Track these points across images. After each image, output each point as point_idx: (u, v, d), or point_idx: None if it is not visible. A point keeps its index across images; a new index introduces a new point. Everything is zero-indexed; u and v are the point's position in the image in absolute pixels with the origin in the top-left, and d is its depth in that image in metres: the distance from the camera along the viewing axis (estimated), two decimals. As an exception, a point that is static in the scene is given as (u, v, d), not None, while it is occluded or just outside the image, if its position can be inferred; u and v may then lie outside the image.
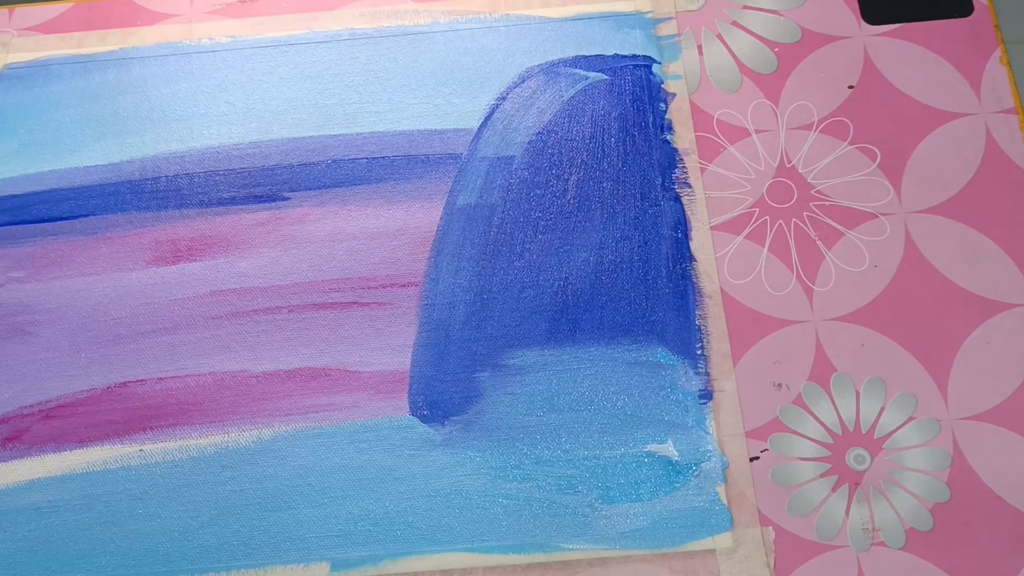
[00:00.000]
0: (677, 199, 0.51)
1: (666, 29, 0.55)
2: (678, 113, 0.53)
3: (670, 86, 0.54)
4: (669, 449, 0.46)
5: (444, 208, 0.52)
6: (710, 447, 0.46)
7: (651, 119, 0.53)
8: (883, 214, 0.50)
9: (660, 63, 0.54)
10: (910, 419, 0.46)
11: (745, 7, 0.56)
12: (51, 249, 0.52)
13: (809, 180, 0.51)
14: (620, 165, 0.52)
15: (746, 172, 0.52)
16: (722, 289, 0.49)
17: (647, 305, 0.49)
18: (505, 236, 0.51)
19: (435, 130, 0.53)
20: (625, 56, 0.55)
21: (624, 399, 0.47)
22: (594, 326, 0.48)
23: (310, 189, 0.52)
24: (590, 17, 0.56)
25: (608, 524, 0.44)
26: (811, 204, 0.51)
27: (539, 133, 0.53)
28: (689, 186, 0.51)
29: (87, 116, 0.55)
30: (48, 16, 0.58)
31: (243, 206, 0.52)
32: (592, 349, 0.48)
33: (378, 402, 0.47)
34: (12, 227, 0.52)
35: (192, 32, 0.57)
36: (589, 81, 0.54)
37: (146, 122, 0.55)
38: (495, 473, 0.46)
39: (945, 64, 0.53)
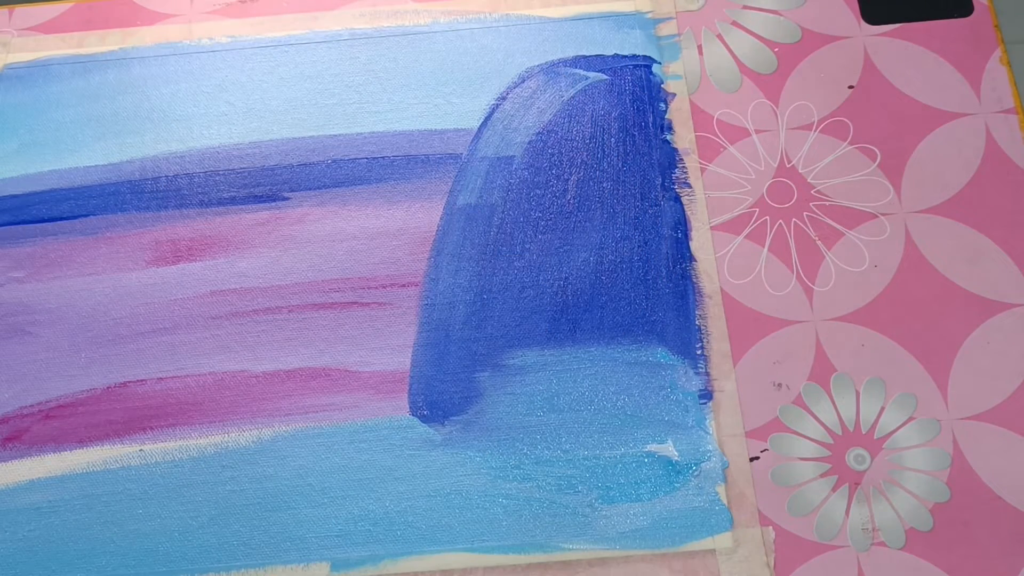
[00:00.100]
0: (677, 199, 0.51)
1: (666, 29, 0.55)
2: (678, 113, 0.53)
3: (670, 86, 0.54)
4: (669, 449, 0.46)
5: (444, 208, 0.52)
6: (710, 447, 0.46)
7: (651, 119, 0.53)
8: (883, 214, 0.50)
9: (660, 63, 0.54)
10: (910, 419, 0.46)
11: (745, 7, 0.56)
12: (51, 249, 0.52)
13: (809, 180, 0.51)
14: (620, 165, 0.52)
15: (746, 172, 0.52)
16: (722, 289, 0.49)
17: (647, 305, 0.49)
18: (505, 236, 0.51)
19: (435, 130, 0.53)
20: (625, 56, 0.55)
21: (624, 399, 0.47)
22: (594, 326, 0.48)
23: (310, 189, 0.52)
24: (590, 17, 0.56)
25: (608, 524, 0.44)
26: (811, 204, 0.51)
27: (539, 133, 0.53)
28: (689, 186, 0.51)
29: (87, 116, 0.55)
30: (48, 16, 0.58)
31: (243, 206, 0.52)
32: (592, 349, 0.48)
33: (378, 402, 0.47)
34: (12, 227, 0.52)
35: (192, 32, 0.57)
36: (589, 81, 0.54)
37: (146, 122, 0.55)
38: (495, 473, 0.46)
39: (945, 64, 0.53)
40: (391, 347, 0.48)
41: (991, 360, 0.47)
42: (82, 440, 0.47)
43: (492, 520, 0.45)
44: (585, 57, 0.55)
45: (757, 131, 0.53)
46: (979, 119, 0.52)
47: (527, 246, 0.50)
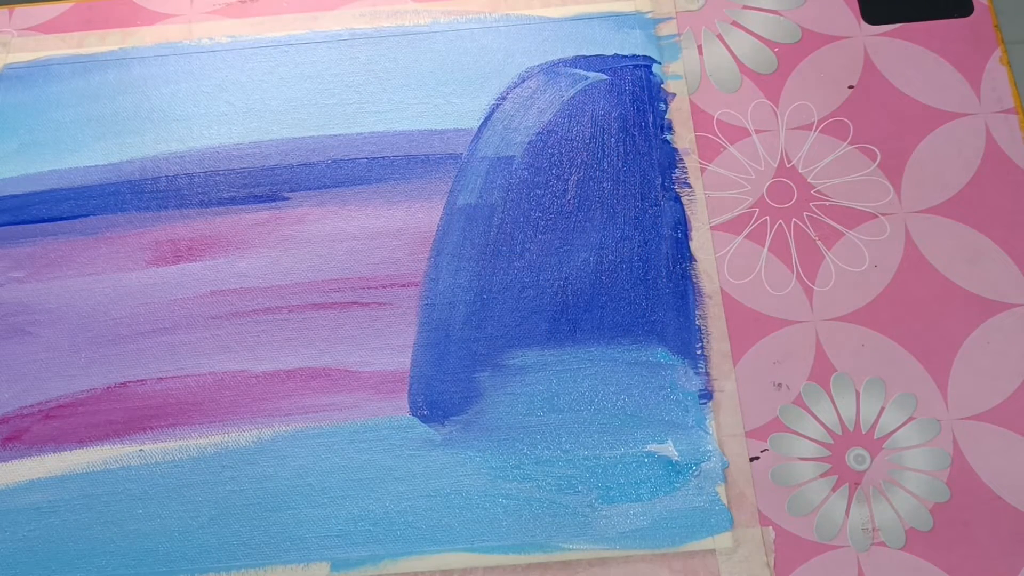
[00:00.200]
0: (677, 199, 0.51)
1: (666, 29, 0.55)
2: (678, 113, 0.53)
3: (670, 86, 0.54)
4: (669, 449, 0.46)
5: (444, 208, 0.52)
6: (710, 447, 0.46)
7: (651, 119, 0.53)
8: (883, 214, 0.50)
9: (660, 63, 0.54)
10: (910, 419, 0.46)
11: (745, 7, 0.56)
12: (51, 249, 0.52)
13: (809, 180, 0.51)
14: (620, 165, 0.52)
15: (746, 172, 0.52)
16: (722, 289, 0.49)
17: (647, 305, 0.49)
18: (505, 236, 0.51)
19: (435, 130, 0.53)
20: (625, 56, 0.55)
21: (624, 399, 0.47)
22: (594, 326, 0.48)
23: (310, 189, 0.52)
24: (590, 17, 0.56)
25: (608, 524, 0.44)
26: (811, 204, 0.51)
27: (539, 133, 0.53)
28: (689, 186, 0.51)
29: (87, 116, 0.55)
30: (48, 16, 0.58)
31: (243, 206, 0.52)
32: (592, 349, 0.48)
33: (378, 402, 0.47)
34: (12, 227, 0.52)
35: (192, 32, 0.57)
36: (589, 81, 0.54)
37: (146, 122, 0.55)
38: (495, 473, 0.46)
39: (945, 64, 0.53)
40: (391, 347, 0.48)
41: (991, 360, 0.47)
42: (82, 440, 0.47)
43: (492, 520, 0.45)
44: (585, 57, 0.55)
45: (757, 131, 0.53)
46: (979, 119, 0.52)
47: (527, 246, 0.50)
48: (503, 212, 0.51)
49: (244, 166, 0.53)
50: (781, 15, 0.55)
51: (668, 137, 0.52)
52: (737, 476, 0.45)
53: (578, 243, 0.50)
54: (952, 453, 0.45)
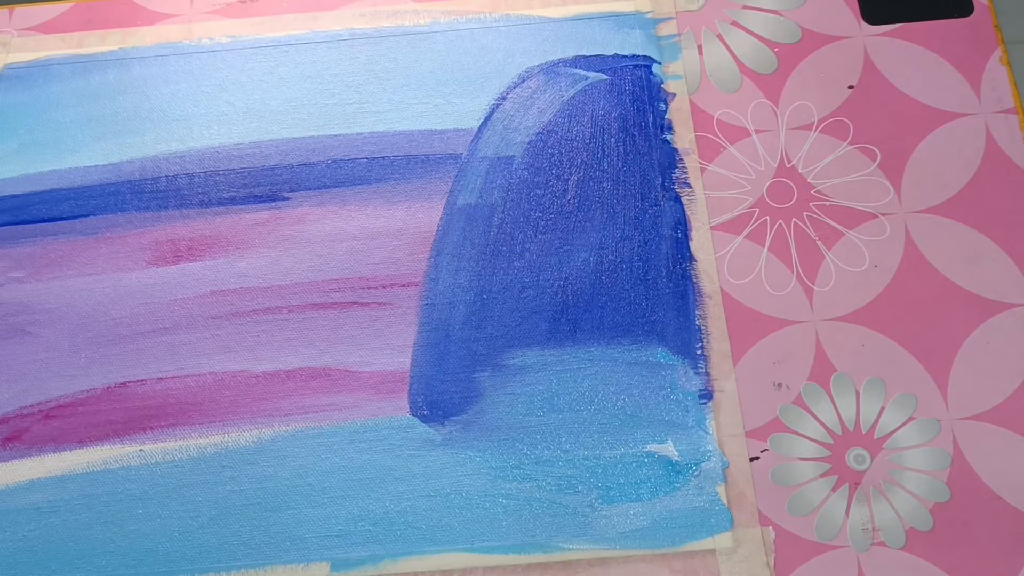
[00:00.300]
0: (677, 199, 0.51)
1: (666, 29, 0.55)
2: (678, 113, 0.53)
3: (670, 86, 0.54)
4: (669, 449, 0.46)
5: (444, 208, 0.52)
6: (710, 447, 0.46)
7: (651, 119, 0.53)
8: (883, 214, 0.50)
9: (660, 63, 0.54)
10: (910, 419, 0.46)
11: (745, 7, 0.56)
12: (51, 249, 0.52)
13: (809, 180, 0.51)
14: (620, 165, 0.52)
15: (746, 172, 0.52)
16: (722, 289, 0.49)
17: (647, 305, 0.49)
18: (505, 236, 0.51)
19: (435, 130, 0.53)
20: (625, 56, 0.55)
21: (624, 399, 0.47)
22: (594, 326, 0.48)
23: (310, 189, 0.52)
24: (590, 17, 0.56)
25: (608, 524, 0.44)
26: (811, 204, 0.51)
27: (539, 133, 0.53)
28: (689, 186, 0.51)
29: (87, 116, 0.55)
30: (48, 16, 0.58)
31: (243, 206, 0.52)
32: (592, 349, 0.48)
33: (378, 402, 0.47)
34: (12, 227, 0.52)
35: (192, 32, 0.57)
36: (589, 81, 0.54)
37: (146, 122, 0.55)
38: (495, 473, 0.46)
39: (945, 64, 0.53)
40: (391, 347, 0.48)
41: (991, 360, 0.47)
42: (82, 440, 0.47)
43: (492, 520, 0.45)
44: (585, 57, 0.55)
45: (757, 131, 0.53)
46: (979, 119, 0.52)
47: (527, 246, 0.50)
48: (503, 212, 0.51)
49: (244, 166, 0.53)
50: (781, 15, 0.55)
51: (668, 137, 0.52)
52: (737, 476, 0.45)
53: (578, 243, 0.50)
54: (952, 453, 0.45)
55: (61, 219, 0.52)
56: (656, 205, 0.51)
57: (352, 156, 0.53)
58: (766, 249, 0.50)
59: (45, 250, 0.52)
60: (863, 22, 0.55)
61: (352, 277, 0.50)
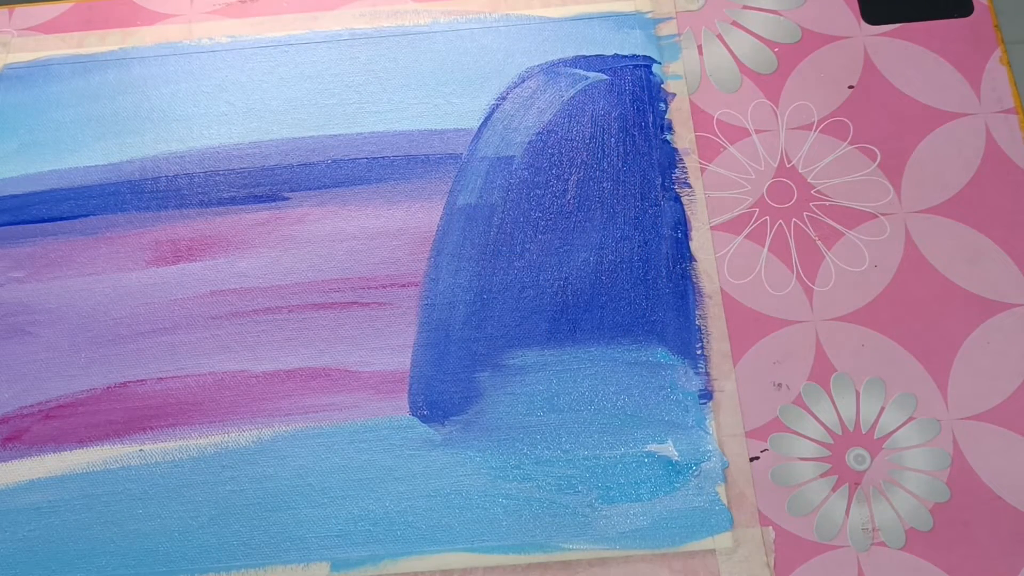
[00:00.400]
0: (677, 199, 0.51)
1: (666, 29, 0.55)
2: (678, 113, 0.53)
3: (670, 86, 0.54)
4: (669, 449, 0.46)
5: (444, 208, 0.52)
6: (710, 447, 0.46)
7: (651, 119, 0.53)
8: (883, 214, 0.50)
9: (660, 63, 0.54)
10: (910, 419, 0.46)
11: (745, 7, 0.56)
12: (51, 249, 0.52)
13: (809, 180, 0.51)
14: (620, 165, 0.52)
15: (746, 172, 0.52)
16: (722, 289, 0.49)
17: (647, 305, 0.49)
18: (505, 236, 0.51)
19: (435, 130, 0.53)
20: (625, 56, 0.55)
21: (624, 399, 0.47)
22: (594, 326, 0.48)
23: (310, 189, 0.52)
24: (590, 17, 0.56)
25: (608, 524, 0.44)
26: (811, 204, 0.51)
27: (539, 133, 0.53)
28: (689, 186, 0.51)
29: (87, 116, 0.55)
30: (48, 16, 0.58)
31: (243, 206, 0.52)
32: (592, 349, 0.48)
33: (378, 402, 0.47)
34: (12, 227, 0.52)
35: (192, 32, 0.57)
36: (589, 81, 0.54)
37: (146, 122, 0.55)
38: (495, 473, 0.46)
39: (945, 64, 0.53)
40: (391, 347, 0.48)
41: (991, 360, 0.47)
42: (82, 440, 0.47)
43: (492, 520, 0.45)
44: (585, 57, 0.55)
45: (757, 131, 0.53)
46: (979, 119, 0.52)
47: (527, 246, 0.50)
48: (503, 212, 0.51)
49: (244, 166, 0.53)
50: (781, 15, 0.55)
51: (668, 137, 0.52)
52: (737, 476, 0.45)
53: (578, 243, 0.50)
54: (952, 453, 0.45)
55: (61, 219, 0.52)
56: (656, 205, 0.51)
57: (352, 156, 0.53)
58: (766, 249, 0.50)
59: (45, 250, 0.52)
60: (863, 22, 0.55)
61: (352, 277, 0.50)
